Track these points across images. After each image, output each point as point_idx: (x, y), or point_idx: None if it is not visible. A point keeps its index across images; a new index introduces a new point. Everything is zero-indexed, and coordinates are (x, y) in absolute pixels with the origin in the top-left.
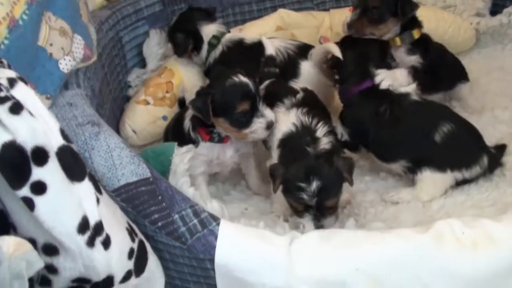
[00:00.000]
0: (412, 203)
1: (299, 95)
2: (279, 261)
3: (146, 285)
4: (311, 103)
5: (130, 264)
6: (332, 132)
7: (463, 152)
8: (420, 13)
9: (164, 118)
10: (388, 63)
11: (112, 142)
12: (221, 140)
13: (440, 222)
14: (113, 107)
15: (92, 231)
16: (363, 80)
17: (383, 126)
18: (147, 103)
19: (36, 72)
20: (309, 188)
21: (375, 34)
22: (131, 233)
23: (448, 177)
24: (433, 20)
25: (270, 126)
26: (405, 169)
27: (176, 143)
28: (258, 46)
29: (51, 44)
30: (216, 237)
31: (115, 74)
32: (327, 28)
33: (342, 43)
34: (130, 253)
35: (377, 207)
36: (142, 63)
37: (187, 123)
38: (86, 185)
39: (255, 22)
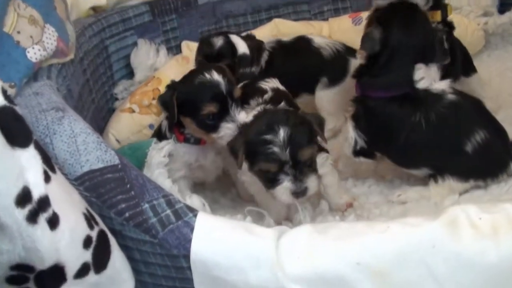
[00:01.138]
0: (422, 201)
1: (267, 95)
2: (266, 256)
3: (109, 285)
4: (279, 102)
5: (86, 255)
6: None
7: (492, 163)
8: None
9: (151, 127)
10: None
11: (78, 127)
12: (198, 142)
13: (452, 208)
14: (96, 118)
15: (34, 205)
16: (402, 86)
17: (413, 134)
18: (133, 111)
19: (0, 60)
20: (277, 138)
21: None
22: (90, 219)
23: (469, 185)
24: None
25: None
26: (427, 175)
27: (154, 139)
28: (299, 42)
29: (18, 32)
30: (192, 230)
31: (99, 83)
32: (326, 36)
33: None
34: (87, 242)
35: (382, 208)
36: (130, 76)
37: (164, 123)
38: (30, 153)
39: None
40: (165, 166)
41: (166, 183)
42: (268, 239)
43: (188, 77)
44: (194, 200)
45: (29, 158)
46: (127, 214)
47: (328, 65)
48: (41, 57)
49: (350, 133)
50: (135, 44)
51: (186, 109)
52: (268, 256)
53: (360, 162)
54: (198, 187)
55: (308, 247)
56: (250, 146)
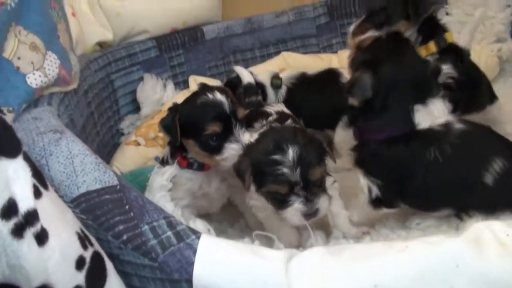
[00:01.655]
0: (443, 225)
1: (272, 117)
2: (275, 280)
3: None
4: (284, 122)
5: (79, 278)
6: None
7: None
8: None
9: (157, 159)
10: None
11: (76, 148)
12: (201, 167)
13: (475, 225)
14: (101, 152)
15: (21, 219)
16: (402, 126)
17: (431, 172)
18: (138, 144)
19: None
20: (286, 158)
21: None
22: (83, 239)
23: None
24: None
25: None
26: (447, 215)
27: (157, 164)
28: (325, 76)
29: (19, 58)
30: (194, 252)
31: (105, 117)
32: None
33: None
34: (79, 263)
35: (399, 233)
36: (137, 111)
37: (166, 150)
38: (18, 164)
39: (257, 66)
40: (168, 191)
41: (168, 206)
42: (277, 262)
43: (190, 99)
44: (198, 225)
45: (17, 169)
46: (125, 237)
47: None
48: (42, 83)
49: (361, 181)
50: (141, 79)
51: (188, 130)
52: (277, 280)
53: (382, 213)
54: (204, 218)
55: (321, 270)
56: (257, 167)
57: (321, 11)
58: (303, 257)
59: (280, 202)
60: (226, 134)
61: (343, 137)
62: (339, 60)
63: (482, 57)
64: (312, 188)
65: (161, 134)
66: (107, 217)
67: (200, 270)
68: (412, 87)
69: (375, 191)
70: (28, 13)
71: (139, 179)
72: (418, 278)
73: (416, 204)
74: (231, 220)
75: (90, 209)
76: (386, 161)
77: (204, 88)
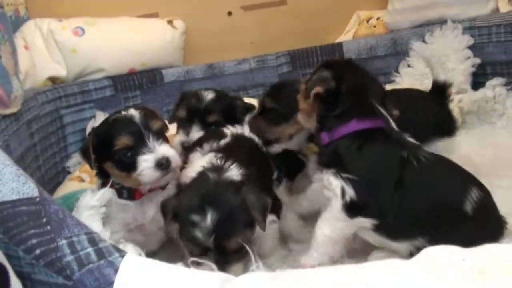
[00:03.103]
0: None
1: (224, 141)
2: None
3: None
4: (237, 148)
5: None
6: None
7: (490, 225)
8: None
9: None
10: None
11: None
12: (131, 195)
13: (430, 248)
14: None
15: None
16: (375, 116)
17: (404, 181)
18: (82, 180)
19: None
20: (203, 223)
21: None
22: None
23: None
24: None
25: (161, 164)
26: (416, 250)
27: (90, 189)
28: None
29: None
30: (116, 271)
31: (49, 153)
32: None
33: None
34: None
35: None
36: None
37: (98, 182)
38: None
39: None
40: (99, 214)
41: (95, 226)
42: (210, 285)
43: (105, 120)
44: (129, 248)
45: None
46: (37, 251)
47: None
48: None
49: (334, 183)
50: (94, 117)
51: (102, 151)
52: None
53: (356, 226)
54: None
55: None
56: (178, 218)
57: (284, 60)
58: (238, 283)
59: (196, 257)
60: (139, 148)
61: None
62: None
63: None
64: (226, 256)
65: None
66: (20, 230)
67: None
68: (370, 87)
69: (350, 192)
70: None
71: (68, 202)
72: None
73: (388, 227)
74: (173, 259)
75: (2, 220)
76: (365, 153)
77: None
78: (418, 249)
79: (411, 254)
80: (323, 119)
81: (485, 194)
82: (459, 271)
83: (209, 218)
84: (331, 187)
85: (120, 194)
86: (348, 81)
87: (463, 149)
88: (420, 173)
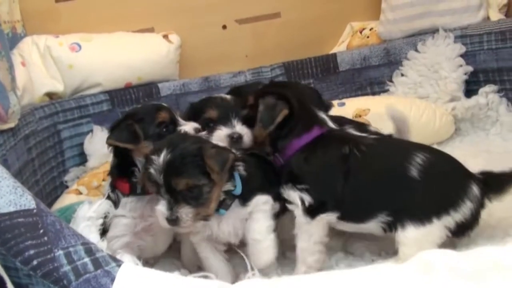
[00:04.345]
0: None
1: None
2: None
3: None
4: None
5: None
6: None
7: (445, 187)
8: (390, 100)
9: None
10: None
11: None
12: (145, 190)
13: (425, 252)
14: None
15: None
16: (311, 127)
17: (351, 172)
18: (80, 193)
19: None
20: (157, 160)
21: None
22: None
23: (436, 229)
24: (408, 104)
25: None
26: (385, 226)
27: (86, 201)
28: None
29: None
30: (112, 280)
31: (47, 167)
32: None
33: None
34: None
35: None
36: (84, 164)
37: (106, 189)
38: None
39: None
40: (96, 225)
41: (92, 237)
42: None
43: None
44: (126, 258)
45: None
46: (35, 262)
47: None
48: None
49: (292, 195)
50: (91, 132)
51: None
52: None
53: (322, 221)
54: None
55: None
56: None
57: (279, 72)
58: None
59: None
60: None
61: None
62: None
63: (438, 113)
64: (177, 196)
65: (104, 183)
66: (17, 241)
67: None
68: (309, 98)
69: (307, 198)
70: None
71: (66, 214)
72: None
73: (349, 214)
74: (170, 269)
75: None
76: (311, 162)
77: None
78: (387, 225)
79: (384, 231)
80: (274, 141)
81: (435, 155)
82: (454, 274)
83: (162, 157)
84: (291, 199)
85: (134, 190)
86: (292, 99)
87: (457, 155)
88: (364, 159)
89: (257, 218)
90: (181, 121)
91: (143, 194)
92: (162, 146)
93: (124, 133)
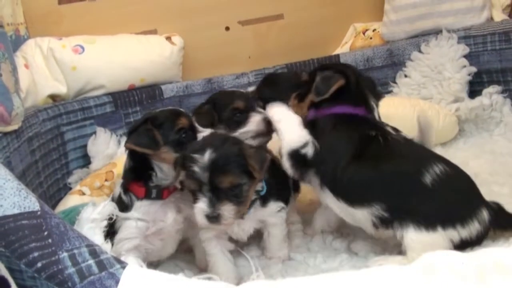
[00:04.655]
0: None
1: None
2: None
3: None
4: None
5: None
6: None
7: (457, 202)
8: (393, 101)
9: None
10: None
11: None
12: (160, 194)
13: (428, 254)
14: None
15: None
16: (358, 105)
17: (365, 155)
18: (83, 193)
19: None
20: (201, 159)
21: None
22: None
23: (440, 238)
24: (408, 105)
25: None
26: (378, 221)
27: (91, 202)
28: None
29: None
30: (117, 282)
31: (51, 169)
32: None
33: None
34: None
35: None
36: (88, 166)
37: (117, 191)
38: None
39: None
40: (100, 227)
41: (96, 239)
42: None
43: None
44: (131, 259)
45: None
46: (39, 264)
47: None
48: None
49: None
50: (94, 133)
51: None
52: None
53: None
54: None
55: None
56: (183, 161)
57: None
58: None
59: (194, 197)
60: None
61: None
62: None
63: (441, 114)
64: (219, 193)
65: (107, 183)
66: (21, 243)
67: None
68: (365, 82)
69: (309, 150)
70: None
71: (70, 216)
72: None
73: (345, 191)
74: (175, 271)
75: (3, 234)
76: (337, 128)
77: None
78: (380, 220)
79: (374, 226)
80: (314, 104)
81: (454, 171)
82: (458, 276)
83: (207, 156)
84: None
85: (149, 194)
86: (350, 75)
87: (461, 156)
88: (384, 148)
89: (275, 224)
90: (199, 127)
91: (157, 198)
92: (204, 145)
93: (143, 137)
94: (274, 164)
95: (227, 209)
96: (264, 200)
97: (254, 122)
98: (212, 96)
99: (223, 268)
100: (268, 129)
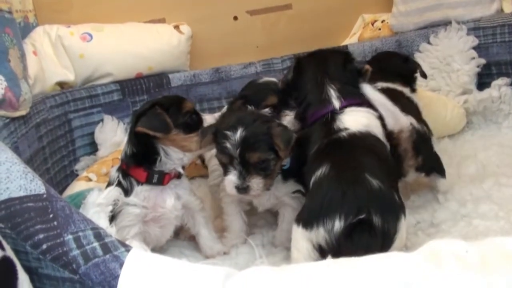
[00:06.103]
0: None
1: None
2: None
3: None
4: None
5: None
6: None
7: None
8: None
9: None
10: None
11: (3, 156)
12: (161, 179)
13: (432, 242)
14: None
15: None
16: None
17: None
18: (89, 179)
19: None
20: (233, 136)
21: None
22: None
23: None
24: (419, 96)
25: None
26: None
27: (97, 188)
28: None
29: None
30: (121, 265)
31: (58, 156)
32: None
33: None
34: None
35: None
36: (95, 153)
37: (112, 172)
38: None
39: None
40: (106, 212)
41: (101, 223)
42: (213, 279)
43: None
44: (135, 244)
45: None
46: (44, 246)
47: None
48: None
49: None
50: (102, 121)
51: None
52: None
53: None
54: None
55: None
56: (216, 136)
57: (289, 63)
58: (241, 277)
59: (224, 170)
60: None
61: None
62: None
63: (449, 105)
64: (249, 167)
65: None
66: (27, 225)
67: (126, 284)
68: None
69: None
70: None
71: (76, 200)
72: None
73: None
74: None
75: (9, 216)
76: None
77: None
78: None
79: None
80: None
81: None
82: (463, 263)
83: (238, 134)
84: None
85: (150, 179)
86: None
87: (469, 148)
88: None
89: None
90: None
91: (158, 183)
92: (235, 123)
93: (155, 121)
94: (301, 148)
95: (256, 182)
96: (284, 177)
97: (286, 122)
98: (245, 89)
99: (237, 226)
100: (298, 128)
